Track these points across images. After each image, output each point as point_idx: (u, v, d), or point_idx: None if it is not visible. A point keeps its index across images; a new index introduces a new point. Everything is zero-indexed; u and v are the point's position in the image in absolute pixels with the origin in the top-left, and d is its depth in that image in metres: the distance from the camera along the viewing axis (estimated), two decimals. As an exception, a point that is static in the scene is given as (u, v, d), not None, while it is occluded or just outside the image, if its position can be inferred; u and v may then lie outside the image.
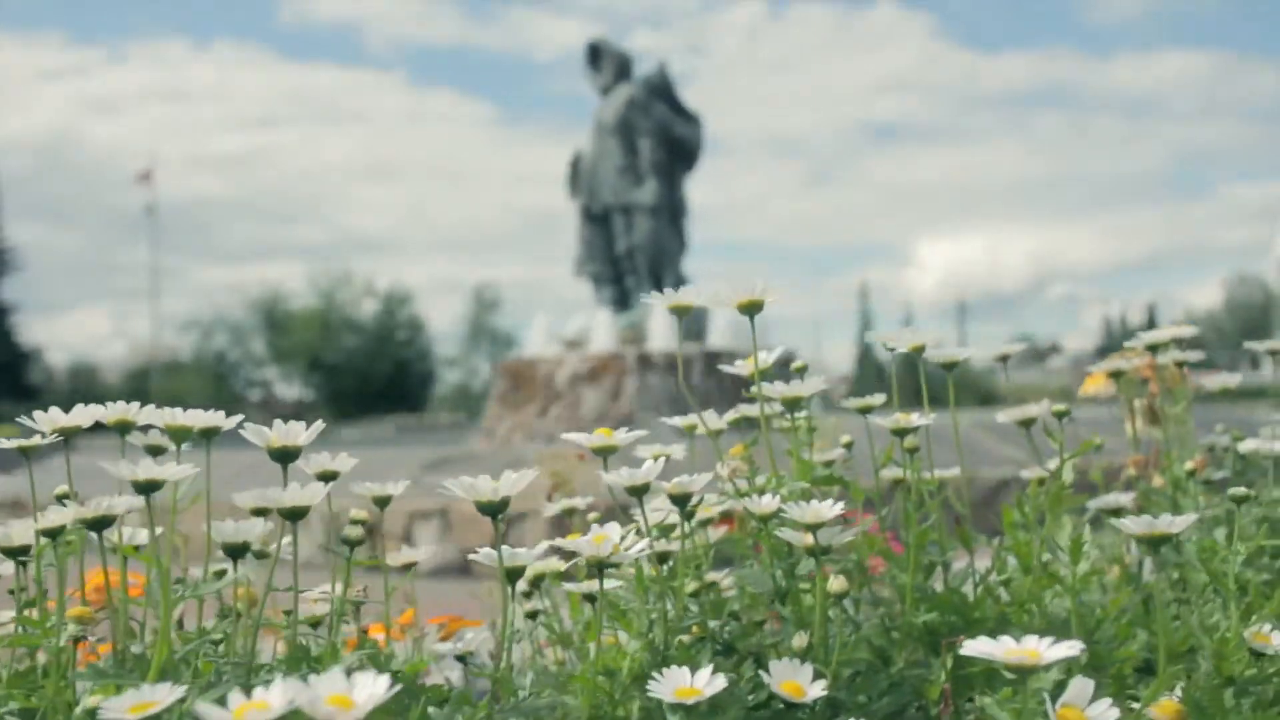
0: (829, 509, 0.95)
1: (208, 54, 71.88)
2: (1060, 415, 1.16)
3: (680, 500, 0.96)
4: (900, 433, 1.15)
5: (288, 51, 78.32)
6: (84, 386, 40.22)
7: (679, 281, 13.38)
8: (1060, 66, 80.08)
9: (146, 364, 38.68)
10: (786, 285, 1.16)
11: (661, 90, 13.65)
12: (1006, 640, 0.70)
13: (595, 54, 13.73)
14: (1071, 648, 0.67)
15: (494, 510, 0.81)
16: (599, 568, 0.89)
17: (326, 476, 0.93)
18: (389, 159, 72.25)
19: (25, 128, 65.42)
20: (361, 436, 23.55)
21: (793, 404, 1.12)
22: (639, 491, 0.95)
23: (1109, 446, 1.81)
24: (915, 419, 1.15)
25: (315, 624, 1.10)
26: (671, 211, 13.50)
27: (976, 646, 0.69)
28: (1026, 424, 1.25)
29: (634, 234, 13.21)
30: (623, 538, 0.93)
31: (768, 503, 1.00)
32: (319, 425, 0.88)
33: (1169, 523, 0.80)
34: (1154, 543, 0.81)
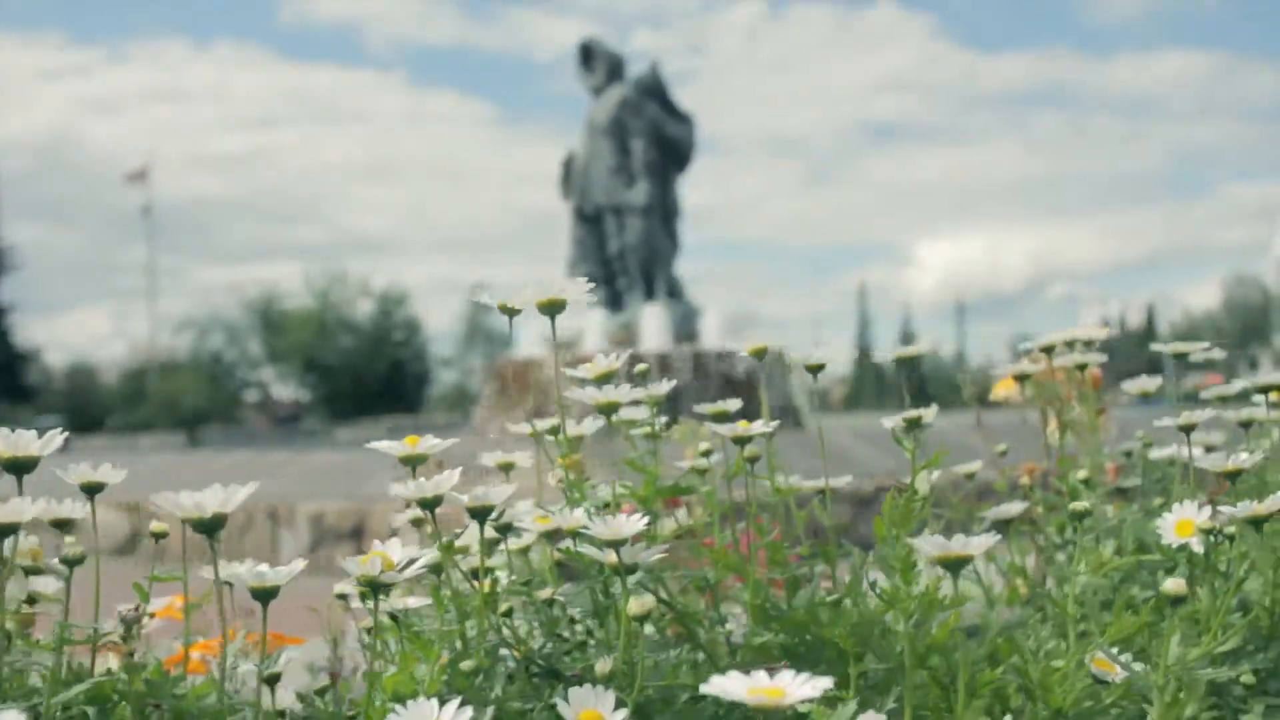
0: (630, 523, 0.88)
1: (208, 54, 72.11)
2: (912, 424, 1.08)
3: (478, 514, 0.89)
4: (740, 441, 1.07)
5: (288, 52, 78.54)
6: (81, 387, 40.23)
7: (671, 282, 13.31)
8: (1059, 66, 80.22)
9: (144, 364, 38.63)
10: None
11: (654, 90, 13.56)
12: (759, 676, 0.63)
13: (587, 54, 13.65)
14: (816, 686, 0.60)
15: (208, 528, 0.74)
16: (373, 587, 0.81)
17: (91, 489, 0.86)
18: (389, 159, 72.37)
19: (25, 127, 65.55)
20: (355, 437, 23.50)
21: (608, 410, 1.04)
22: (430, 504, 0.88)
23: (1033, 455, 1.73)
24: (757, 426, 1.07)
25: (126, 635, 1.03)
26: (664, 212, 13.41)
27: (718, 684, 0.61)
28: (907, 430, 1.17)
29: (626, 235, 13.12)
30: (414, 555, 0.85)
31: (576, 517, 0.93)
32: (56, 434, 0.80)
33: (963, 544, 0.73)
34: (949, 565, 0.73)
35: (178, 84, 71.36)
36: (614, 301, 13.12)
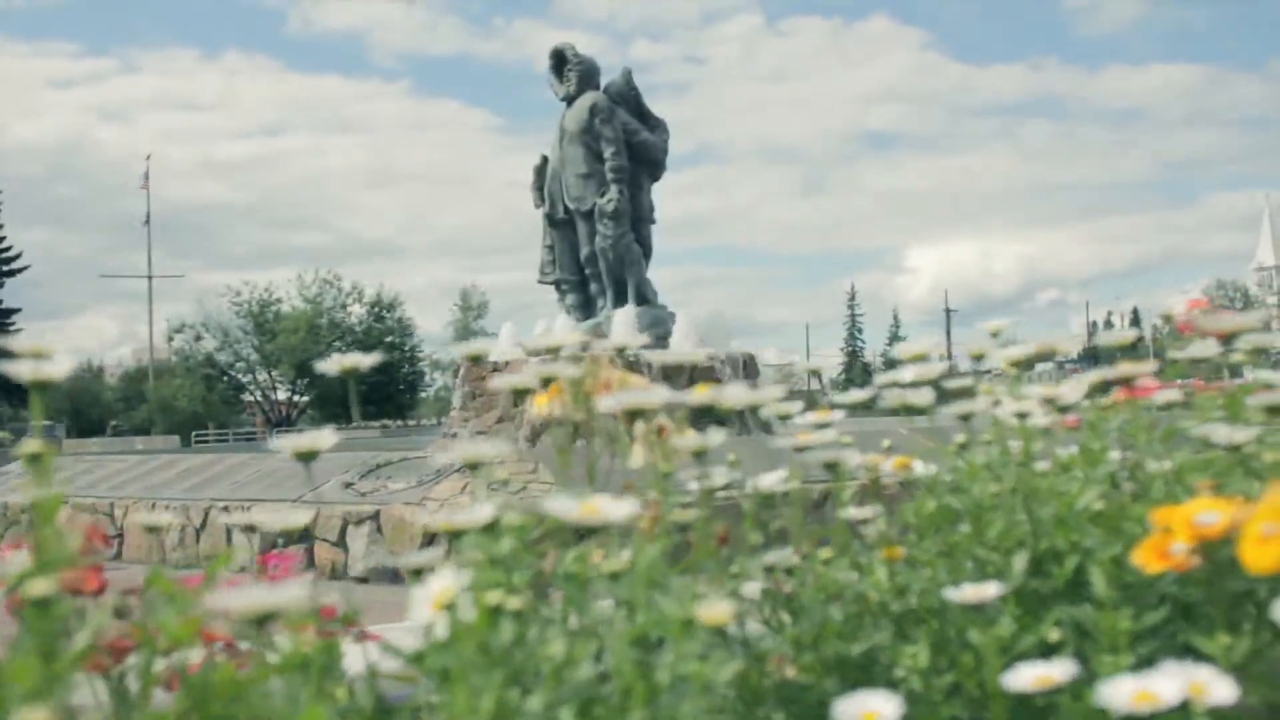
0: None
1: (217, 64, 72.55)
2: (304, 456, 0.97)
3: None
4: (304, 457, 1.04)
5: (294, 61, 78.96)
6: (85, 390, 40.44)
7: (642, 288, 13.18)
8: (1049, 78, 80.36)
9: (144, 368, 38.83)
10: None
11: (626, 97, 13.53)
12: None
13: (560, 61, 13.65)
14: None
15: None
16: None
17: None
18: (392, 166, 72.62)
19: (37, 135, 66.04)
20: (341, 440, 23.68)
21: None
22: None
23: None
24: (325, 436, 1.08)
25: None
26: (635, 218, 13.39)
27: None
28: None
29: (596, 240, 13.11)
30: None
31: None
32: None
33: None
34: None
35: (187, 93, 71.93)
36: (586, 307, 13.19)
